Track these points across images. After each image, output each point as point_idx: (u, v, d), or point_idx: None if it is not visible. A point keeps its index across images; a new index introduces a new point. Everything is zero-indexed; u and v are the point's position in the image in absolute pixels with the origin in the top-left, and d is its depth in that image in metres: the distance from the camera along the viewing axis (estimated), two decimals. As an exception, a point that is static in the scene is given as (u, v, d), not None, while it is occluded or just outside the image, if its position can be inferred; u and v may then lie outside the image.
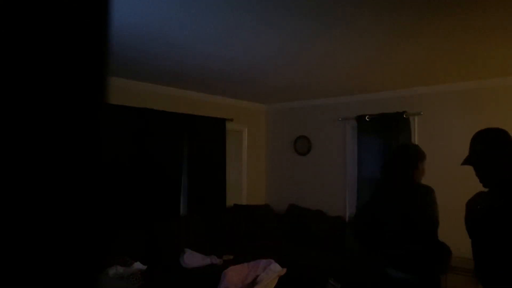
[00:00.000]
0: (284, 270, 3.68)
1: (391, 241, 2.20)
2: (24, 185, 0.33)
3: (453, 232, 4.15)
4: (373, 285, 3.60)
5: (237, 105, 5.38)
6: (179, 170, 4.45)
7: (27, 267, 0.33)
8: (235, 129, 5.35)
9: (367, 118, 4.66)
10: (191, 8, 2.16)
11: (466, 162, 1.83)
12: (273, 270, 3.61)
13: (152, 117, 4.17)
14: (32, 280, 0.34)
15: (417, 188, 2.29)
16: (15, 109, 0.32)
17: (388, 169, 2.41)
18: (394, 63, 3.34)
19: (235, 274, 3.48)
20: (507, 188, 1.66)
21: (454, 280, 4.00)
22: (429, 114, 4.34)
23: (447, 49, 2.91)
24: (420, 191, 2.28)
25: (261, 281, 3.45)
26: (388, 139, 4.51)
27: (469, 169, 4.36)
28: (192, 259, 3.79)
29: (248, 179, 5.58)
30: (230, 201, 5.12)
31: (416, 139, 4.42)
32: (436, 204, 2.29)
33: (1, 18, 0.31)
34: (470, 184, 4.29)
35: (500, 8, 2.13)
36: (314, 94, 4.91)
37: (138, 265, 3.31)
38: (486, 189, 1.83)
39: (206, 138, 4.76)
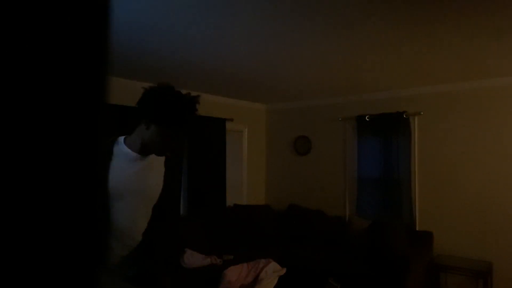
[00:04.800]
0: (284, 270, 3.68)
1: None
2: (24, 185, 0.33)
3: (452, 232, 4.16)
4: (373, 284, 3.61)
5: (237, 105, 5.38)
6: (179, 170, 4.45)
7: (27, 267, 0.33)
8: (235, 129, 5.35)
9: (367, 118, 4.66)
10: (190, 8, 2.16)
11: None
12: (273, 270, 3.61)
13: (152, 117, 4.16)
14: (32, 280, 0.34)
15: None
16: (14, 109, 0.32)
17: None
18: (394, 63, 3.34)
19: (235, 274, 3.48)
20: None
21: (454, 280, 4.00)
22: (429, 114, 4.34)
23: (447, 49, 2.91)
24: None
25: (261, 281, 3.45)
26: (388, 139, 4.52)
27: (469, 169, 4.36)
28: (192, 259, 3.79)
29: (248, 179, 5.58)
30: (230, 201, 5.12)
31: (416, 139, 4.42)
32: None
33: (0, 17, 0.31)
34: (470, 183, 4.30)
35: (501, 8, 2.13)
36: (314, 94, 4.91)
37: (138, 265, 3.31)
38: None
39: (206, 138, 4.76)
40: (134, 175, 1.55)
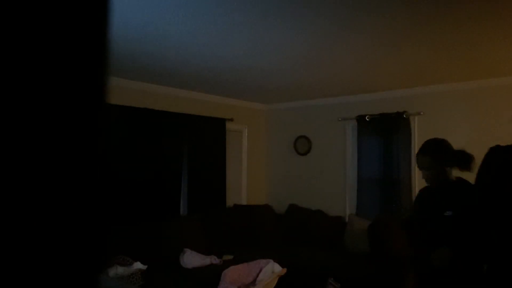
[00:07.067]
0: (284, 270, 3.68)
1: None
2: (24, 185, 0.33)
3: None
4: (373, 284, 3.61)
5: (237, 105, 5.38)
6: (179, 170, 4.45)
7: (27, 267, 0.33)
8: (235, 129, 5.34)
9: (367, 118, 4.66)
10: (190, 8, 2.16)
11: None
12: (273, 270, 3.61)
13: (152, 117, 4.17)
14: (32, 280, 0.34)
15: None
16: (15, 109, 0.32)
17: None
18: (394, 63, 3.34)
19: (235, 274, 3.48)
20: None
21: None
22: (429, 114, 4.34)
23: (447, 49, 2.91)
24: None
25: (261, 281, 3.45)
26: (388, 139, 4.51)
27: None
28: (192, 259, 3.79)
29: (248, 179, 5.58)
30: (230, 201, 5.12)
31: (416, 139, 4.42)
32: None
33: (1, 17, 0.31)
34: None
35: (500, 8, 2.13)
36: (314, 94, 4.91)
37: (138, 265, 3.31)
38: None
39: (206, 138, 4.76)
40: None
